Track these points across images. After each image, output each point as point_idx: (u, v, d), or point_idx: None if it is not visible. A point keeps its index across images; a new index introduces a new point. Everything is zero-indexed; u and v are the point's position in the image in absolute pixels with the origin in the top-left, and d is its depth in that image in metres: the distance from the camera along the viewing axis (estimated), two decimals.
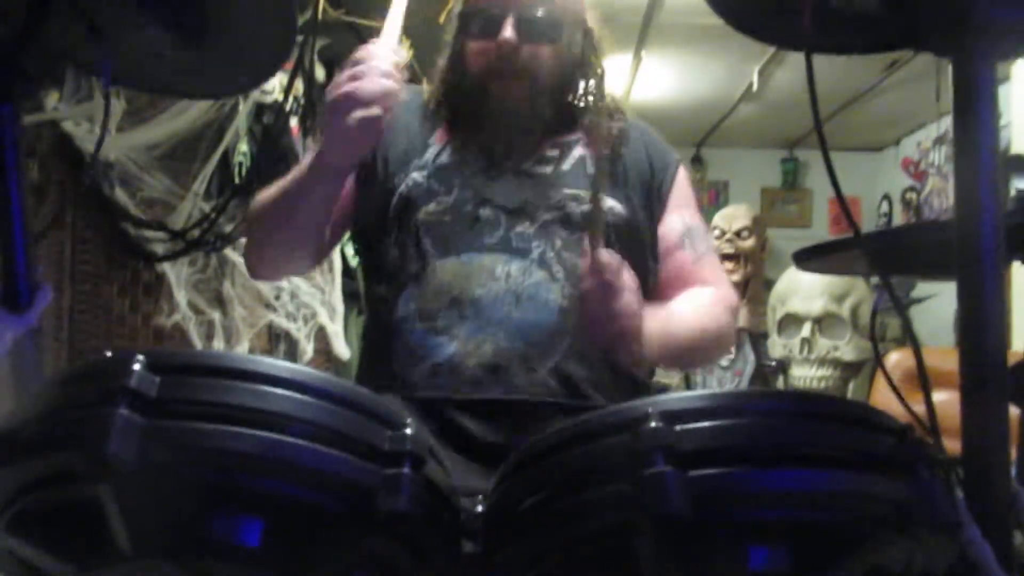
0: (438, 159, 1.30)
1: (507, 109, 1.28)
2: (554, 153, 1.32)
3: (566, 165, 1.31)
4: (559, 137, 1.33)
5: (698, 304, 1.31)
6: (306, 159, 1.24)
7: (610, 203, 1.28)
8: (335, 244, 1.43)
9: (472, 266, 1.21)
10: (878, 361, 3.18)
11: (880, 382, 3.38)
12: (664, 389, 3.02)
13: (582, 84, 1.36)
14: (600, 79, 1.37)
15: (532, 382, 1.17)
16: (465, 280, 1.20)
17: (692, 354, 1.34)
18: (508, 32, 1.25)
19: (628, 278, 1.11)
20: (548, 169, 1.30)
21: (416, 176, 1.28)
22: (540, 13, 1.27)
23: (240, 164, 2.95)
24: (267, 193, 1.31)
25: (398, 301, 1.24)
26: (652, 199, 1.35)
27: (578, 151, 1.33)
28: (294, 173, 1.26)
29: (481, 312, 1.18)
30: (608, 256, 1.09)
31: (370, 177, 1.32)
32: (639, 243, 1.31)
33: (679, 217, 1.37)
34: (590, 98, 1.36)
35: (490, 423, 1.15)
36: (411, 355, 1.20)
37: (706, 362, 1.27)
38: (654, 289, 1.34)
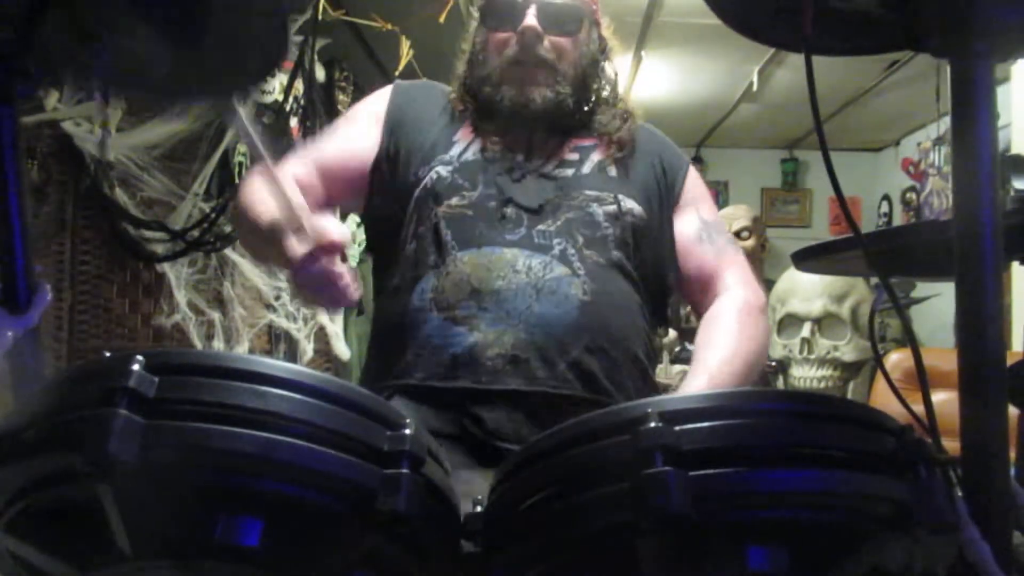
0: (463, 155, 1.31)
1: (529, 101, 1.30)
2: (574, 157, 1.34)
3: (586, 168, 1.33)
4: (577, 140, 1.36)
5: (729, 331, 1.27)
6: (275, 212, 1.09)
7: (629, 204, 1.30)
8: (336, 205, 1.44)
9: (493, 259, 1.22)
10: (878, 361, 3.18)
11: (880, 382, 3.38)
12: (665, 389, 3.03)
13: (595, 86, 1.39)
14: (613, 83, 1.41)
15: (551, 375, 1.18)
16: (486, 272, 1.21)
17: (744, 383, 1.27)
18: (531, 19, 1.28)
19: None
20: (569, 172, 1.32)
21: (441, 170, 1.29)
22: (561, 3, 1.30)
23: (240, 164, 2.96)
24: (251, 201, 1.21)
25: (413, 291, 1.24)
26: (665, 200, 1.37)
27: (595, 156, 1.35)
28: (269, 219, 1.11)
29: (502, 304, 1.19)
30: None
31: (391, 168, 1.34)
32: (658, 243, 1.34)
33: (694, 214, 1.39)
34: (604, 100, 1.39)
35: (508, 413, 1.16)
36: (427, 344, 1.20)
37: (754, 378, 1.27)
38: (676, 286, 1.37)
